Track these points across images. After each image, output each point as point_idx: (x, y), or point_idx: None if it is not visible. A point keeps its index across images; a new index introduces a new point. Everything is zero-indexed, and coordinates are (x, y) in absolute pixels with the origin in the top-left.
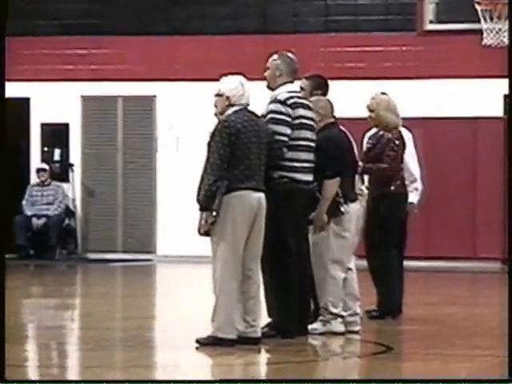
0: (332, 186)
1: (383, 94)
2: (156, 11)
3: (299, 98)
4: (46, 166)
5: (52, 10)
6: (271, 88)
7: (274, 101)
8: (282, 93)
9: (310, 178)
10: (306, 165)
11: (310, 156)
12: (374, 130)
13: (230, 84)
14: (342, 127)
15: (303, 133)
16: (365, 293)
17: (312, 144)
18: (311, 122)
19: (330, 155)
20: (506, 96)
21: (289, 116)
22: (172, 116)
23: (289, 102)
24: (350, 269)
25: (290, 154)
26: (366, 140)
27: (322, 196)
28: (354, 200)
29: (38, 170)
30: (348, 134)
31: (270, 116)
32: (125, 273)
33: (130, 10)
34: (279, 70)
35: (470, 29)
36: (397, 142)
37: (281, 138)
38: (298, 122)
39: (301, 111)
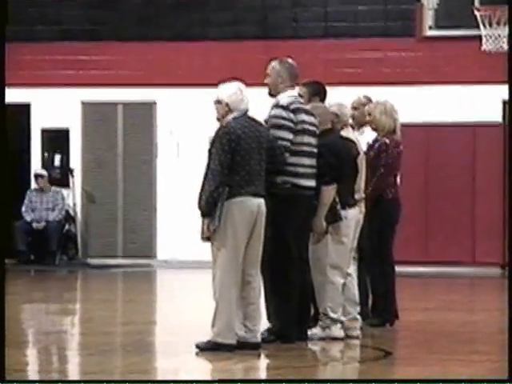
0: (329, 193)
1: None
2: (156, 17)
3: (301, 103)
4: (44, 172)
5: (53, 16)
6: (273, 95)
7: (276, 106)
8: (284, 98)
9: (312, 183)
10: (308, 170)
11: (313, 161)
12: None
13: (229, 90)
14: (349, 133)
15: (306, 138)
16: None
17: (314, 150)
18: (313, 128)
19: (326, 161)
20: (504, 102)
21: (291, 121)
22: (172, 122)
23: (291, 107)
24: (349, 274)
25: (292, 159)
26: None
27: (319, 202)
28: (352, 205)
29: (36, 177)
30: (355, 140)
31: (271, 121)
32: (125, 278)
33: (130, 16)
34: (281, 76)
35: (469, 35)
36: (390, 148)
37: (283, 143)
38: (300, 127)
39: (303, 116)
